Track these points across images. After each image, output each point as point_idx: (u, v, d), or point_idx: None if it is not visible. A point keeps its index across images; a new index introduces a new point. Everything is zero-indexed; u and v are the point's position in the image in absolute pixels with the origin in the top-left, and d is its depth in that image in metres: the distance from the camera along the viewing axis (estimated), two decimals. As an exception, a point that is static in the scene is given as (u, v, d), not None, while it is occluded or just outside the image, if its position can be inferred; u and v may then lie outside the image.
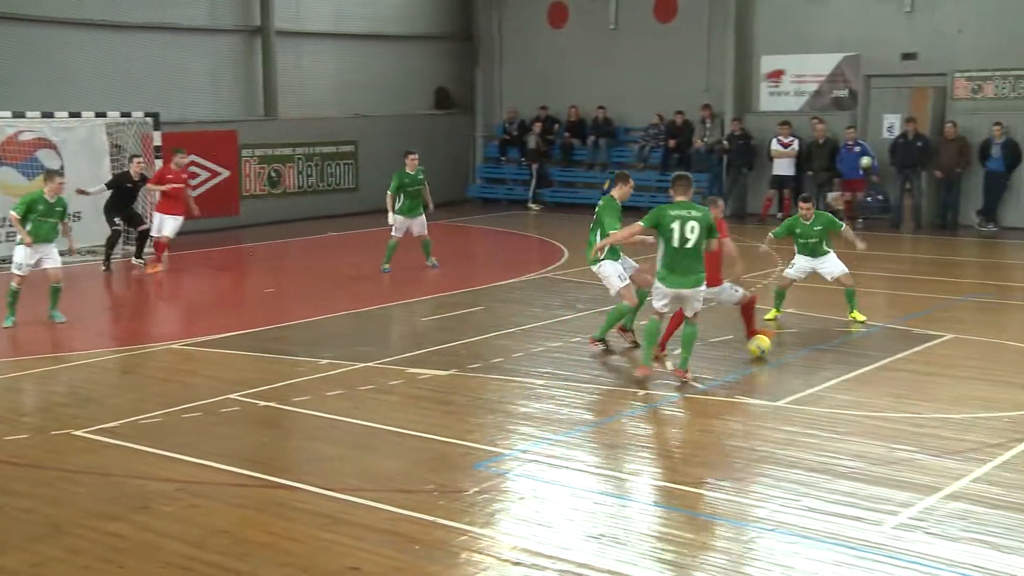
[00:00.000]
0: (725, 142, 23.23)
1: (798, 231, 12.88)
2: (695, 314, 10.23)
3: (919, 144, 21.24)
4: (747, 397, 9.84)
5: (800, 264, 12.97)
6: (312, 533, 6.81)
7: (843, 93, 22.98)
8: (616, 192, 11.38)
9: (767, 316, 12.74)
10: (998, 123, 20.51)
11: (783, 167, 22.55)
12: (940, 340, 11.92)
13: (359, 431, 8.95)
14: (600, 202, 11.46)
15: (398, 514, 7.07)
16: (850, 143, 21.60)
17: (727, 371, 10.67)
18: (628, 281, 11.26)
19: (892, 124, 22.24)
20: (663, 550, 6.58)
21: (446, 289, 15.37)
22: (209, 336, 12.34)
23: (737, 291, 11.27)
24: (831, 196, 22.13)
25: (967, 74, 21.44)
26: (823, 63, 23.11)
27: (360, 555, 6.47)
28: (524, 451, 8.42)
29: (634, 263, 11.43)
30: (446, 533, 6.81)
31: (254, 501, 7.47)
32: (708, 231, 9.96)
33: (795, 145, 22.44)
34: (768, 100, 23.88)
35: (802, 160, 22.50)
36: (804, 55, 23.21)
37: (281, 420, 9.46)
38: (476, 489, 7.59)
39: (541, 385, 10.29)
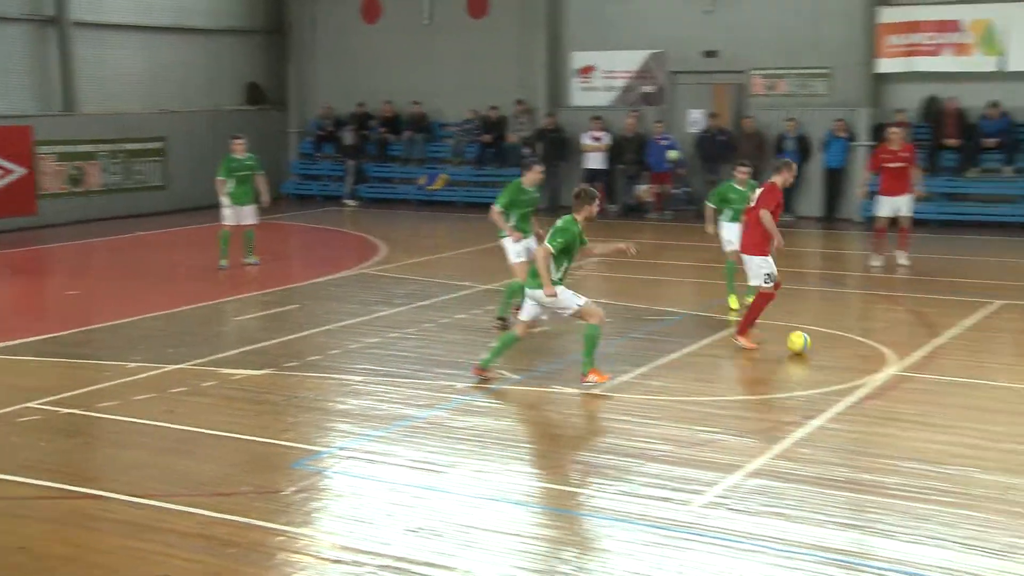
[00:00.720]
0: (526, 150, 23.40)
1: (733, 196, 13.10)
2: (583, 315, 9.75)
3: (721, 138, 22.14)
4: (562, 387, 10.01)
5: (733, 236, 13.01)
6: (121, 543, 6.59)
7: (651, 89, 23.69)
8: (525, 178, 11.97)
9: (732, 306, 12.94)
10: (791, 119, 21.59)
11: (595, 161, 23.08)
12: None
13: (171, 435, 8.70)
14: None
15: (213, 518, 6.92)
16: (658, 137, 22.32)
17: (543, 362, 10.85)
18: (524, 259, 11.65)
19: (696, 119, 23.11)
20: (482, 540, 6.66)
21: (261, 287, 15.09)
22: (3, 343, 11.74)
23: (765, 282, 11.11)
24: (641, 189, 22.86)
25: (763, 72, 22.48)
26: (631, 60, 23.75)
27: (173, 562, 6.31)
28: (342, 448, 8.37)
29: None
30: (263, 534, 6.71)
31: (57, 514, 7.17)
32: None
33: (606, 139, 23.01)
34: (580, 95, 24.38)
35: (613, 154, 23.10)
36: (613, 52, 23.79)
37: (86, 427, 9.10)
38: (293, 488, 7.50)
39: (359, 381, 10.24)
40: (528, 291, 9.87)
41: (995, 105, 20.18)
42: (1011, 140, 20.20)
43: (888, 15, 20.91)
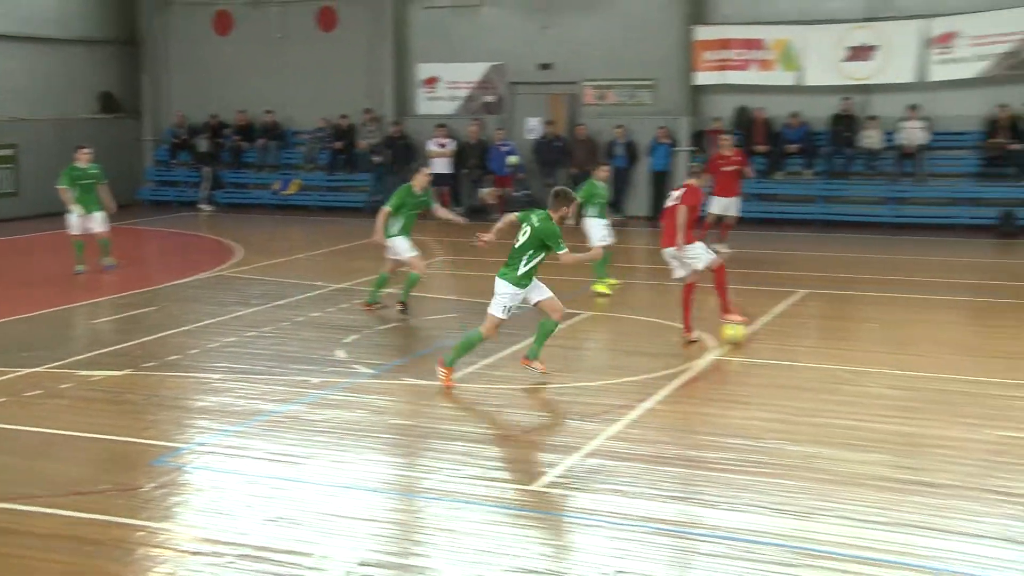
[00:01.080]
0: (375, 157, 23.45)
1: (597, 192, 13.78)
2: (545, 309, 9.63)
3: (557, 144, 22.46)
4: (413, 379, 9.98)
5: (604, 232, 13.75)
6: (-21, 546, 6.25)
7: (491, 98, 23.83)
8: (414, 181, 12.48)
9: (600, 290, 13.54)
10: (620, 126, 22.06)
11: (441, 166, 23.05)
12: (580, 317, 12.61)
13: (28, 438, 8.28)
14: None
15: (74, 517, 6.62)
16: (498, 143, 22.49)
17: (394, 356, 10.80)
18: (418, 253, 12.35)
19: (534, 126, 23.40)
20: (340, 527, 6.57)
21: (120, 290, 14.51)
22: None
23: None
24: (484, 191, 22.97)
25: (593, 83, 22.91)
26: (473, 71, 23.84)
27: (34, 563, 6.02)
28: (201, 444, 8.13)
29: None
30: (124, 531, 6.46)
31: (-87, 519, 6.74)
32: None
33: (451, 146, 23.05)
34: (425, 104, 24.33)
35: (458, 159, 23.16)
36: (456, 64, 23.85)
37: (-58, 433, 8.58)
38: (153, 485, 7.25)
39: (217, 379, 9.97)
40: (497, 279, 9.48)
41: (795, 115, 21.12)
42: (810, 146, 21.18)
43: (702, 33, 21.58)
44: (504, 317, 9.40)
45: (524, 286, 9.42)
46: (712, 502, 6.86)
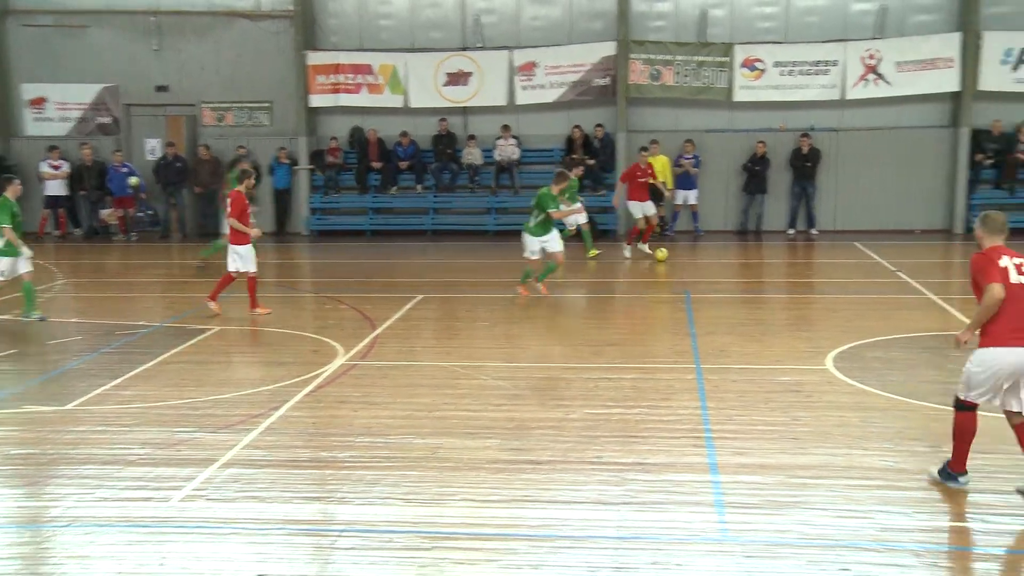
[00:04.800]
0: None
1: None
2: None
3: (178, 165, 21.43)
4: (35, 406, 9.07)
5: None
6: None
7: (107, 120, 22.29)
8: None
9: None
10: (241, 146, 21.47)
11: (55, 188, 21.38)
12: (209, 333, 12.10)
13: None
14: None
15: None
16: (117, 165, 21.09)
17: (12, 384, 9.74)
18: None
19: (154, 147, 22.19)
20: (-46, 570, 5.81)
21: None
22: None
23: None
24: (105, 213, 21.47)
25: (211, 104, 22.12)
26: (84, 92, 22.19)
27: None
28: None
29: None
30: None
31: None
32: None
33: (65, 167, 21.32)
34: (34, 125, 22.30)
35: (74, 181, 21.49)
36: (65, 84, 22.08)
37: None
38: None
39: None
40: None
41: (405, 135, 21.65)
42: (419, 163, 21.80)
43: (315, 58, 21.54)
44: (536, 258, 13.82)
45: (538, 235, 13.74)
46: (347, 499, 6.82)
